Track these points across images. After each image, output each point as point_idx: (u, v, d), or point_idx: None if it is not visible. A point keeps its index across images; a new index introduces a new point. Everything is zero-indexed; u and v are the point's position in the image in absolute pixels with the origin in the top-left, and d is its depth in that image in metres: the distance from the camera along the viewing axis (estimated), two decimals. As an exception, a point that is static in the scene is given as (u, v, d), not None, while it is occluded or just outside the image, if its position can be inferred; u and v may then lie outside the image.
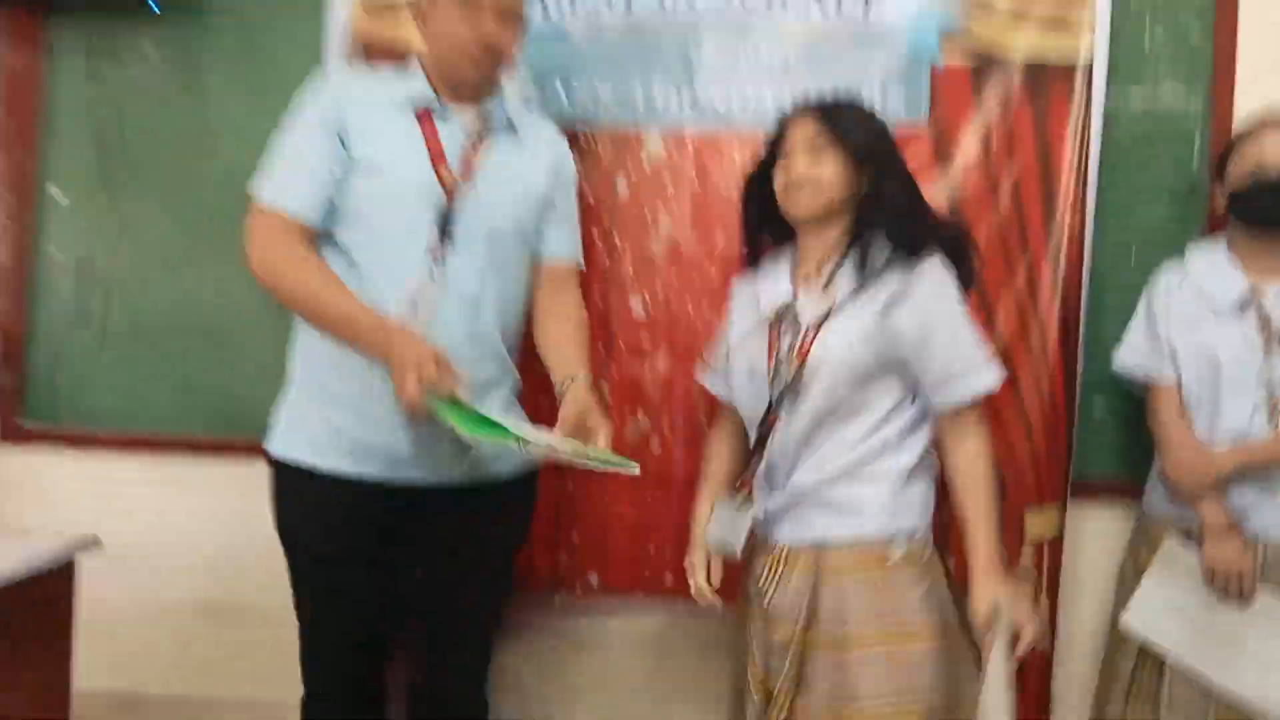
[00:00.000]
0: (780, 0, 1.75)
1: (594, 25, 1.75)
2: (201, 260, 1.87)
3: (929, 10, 1.72)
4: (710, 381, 1.49)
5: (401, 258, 1.36)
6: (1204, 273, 1.54)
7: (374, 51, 1.80)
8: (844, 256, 1.31)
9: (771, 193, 1.36)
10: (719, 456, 1.46)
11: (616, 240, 1.75)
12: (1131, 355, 1.59)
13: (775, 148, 1.37)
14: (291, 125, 1.42)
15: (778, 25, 1.75)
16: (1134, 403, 1.67)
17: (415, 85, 1.43)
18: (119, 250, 1.89)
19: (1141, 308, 1.60)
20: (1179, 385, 1.53)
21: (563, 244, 1.53)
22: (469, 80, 1.42)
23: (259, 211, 1.36)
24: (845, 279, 1.29)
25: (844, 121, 1.31)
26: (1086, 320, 1.68)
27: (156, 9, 1.86)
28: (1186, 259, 1.58)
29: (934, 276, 1.28)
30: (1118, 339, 1.62)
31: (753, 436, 1.36)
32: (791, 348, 1.30)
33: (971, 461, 1.28)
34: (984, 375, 1.28)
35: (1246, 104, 1.68)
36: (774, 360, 1.32)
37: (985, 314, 1.67)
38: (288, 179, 1.37)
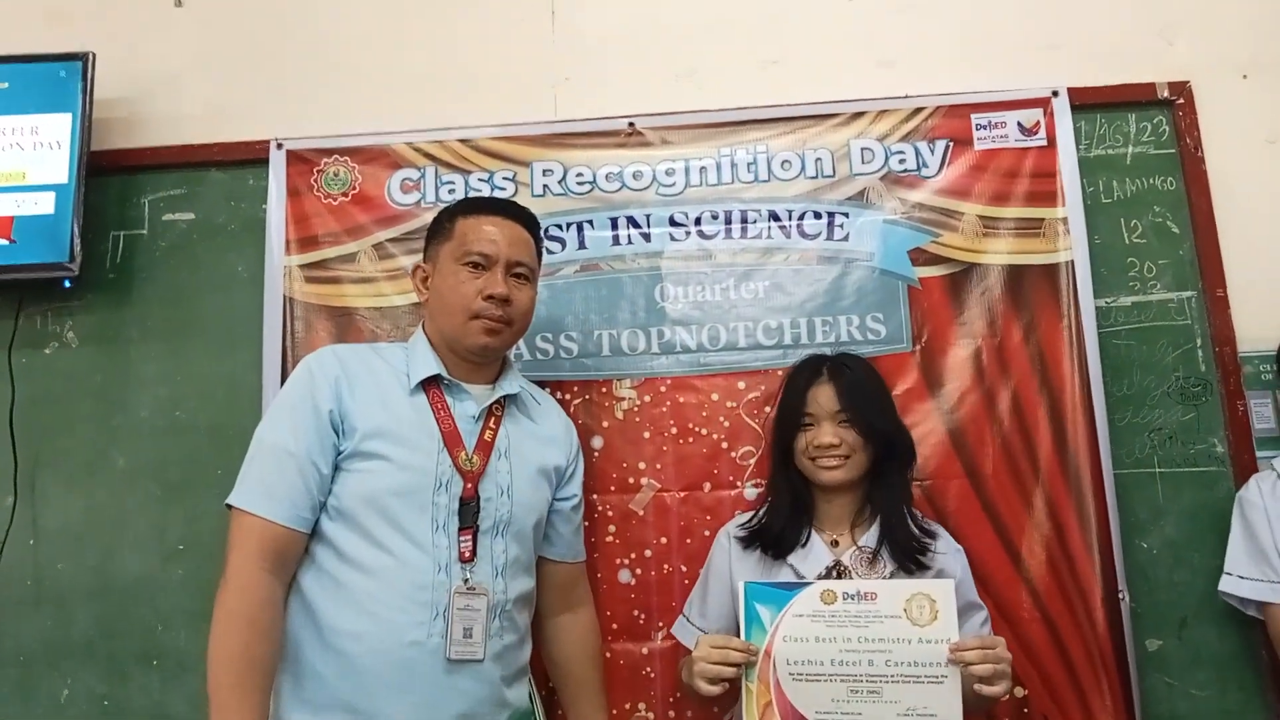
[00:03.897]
0: (740, 228, 1.85)
1: (550, 271, 1.83)
2: (122, 556, 1.84)
3: (894, 226, 1.83)
4: (690, 637, 1.51)
5: (425, 562, 1.33)
6: None
7: (316, 317, 1.86)
8: (880, 518, 1.46)
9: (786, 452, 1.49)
10: None
11: (596, 501, 1.75)
12: (1239, 580, 1.57)
13: (793, 409, 1.48)
14: (275, 413, 1.40)
15: (740, 253, 1.85)
16: (1194, 639, 1.67)
17: (421, 361, 1.44)
18: (28, 556, 1.84)
19: (1236, 526, 1.60)
20: None
21: (572, 543, 1.58)
22: (480, 348, 1.44)
23: (238, 517, 1.32)
24: (876, 541, 1.45)
25: (864, 396, 1.46)
26: (1120, 545, 1.68)
27: (68, 284, 1.91)
28: (1275, 467, 1.60)
29: (961, 553, 1.48)
30: (1155, 563, 1.64)
31: None
32: None
33: None
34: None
35: (1238, 289, 1.78)
36: None
37: (1005, 546, 1.68)
38: (271, 480, 1.32)
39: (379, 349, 1.52)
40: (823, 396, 1.45)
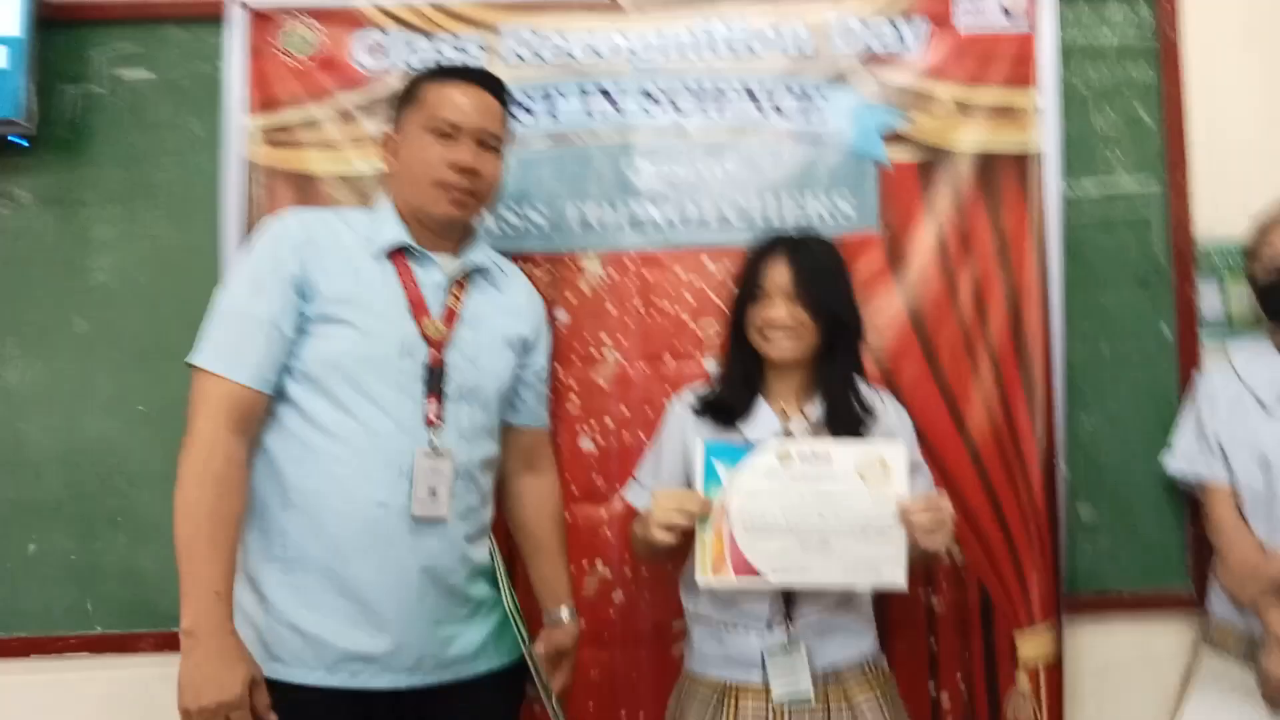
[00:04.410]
0: (715, 105, 1.86)
1: (518, 143, 1.82)
2: (87, 418, 1.87)
3: (870, 108, 1.84)
4: (642, 499, 1.59)
5: (390, 427, 1.38)
6: (1247, 368, 1.67)
7: (277, 182, 1.85)
8: (822, 393, 1.51)
9: (741, 325, 1.53)
10: None
11: (560, 373, 1.80)
12: (1182, 459, 1.71)
13: (749, 283, 1.51)
14: (238, 275, 1.42)
15: (713, 130, 1.86)
16: (1124, 508, 1.80)
17: (387, 227, 1.46)
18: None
19: (1187, 409, 1.73)
20: (1234, 486, 1.63)
21: (536, 410, 1.63)
22: (446, 218, 1.46)
23: (200, 378, 1.35)
24: (822, 414, 1.50)
25: (818, 276, 1.49)
26: (1064, 421, 1.78)
27: (26, 143, 1.89)
28: (1230, 354, 1.71)
29: (906, 419, 1.57)
30: (1097, 438, 1.76)
31: None
32: None
33: None
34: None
35: (1203, 182, 1.84)
36: None
37: (955, 421, 1.77)
38: (234, 341, 1.35)
39: (343, 214, 1.53)
40: (777, 273, 1.49)
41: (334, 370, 1.38)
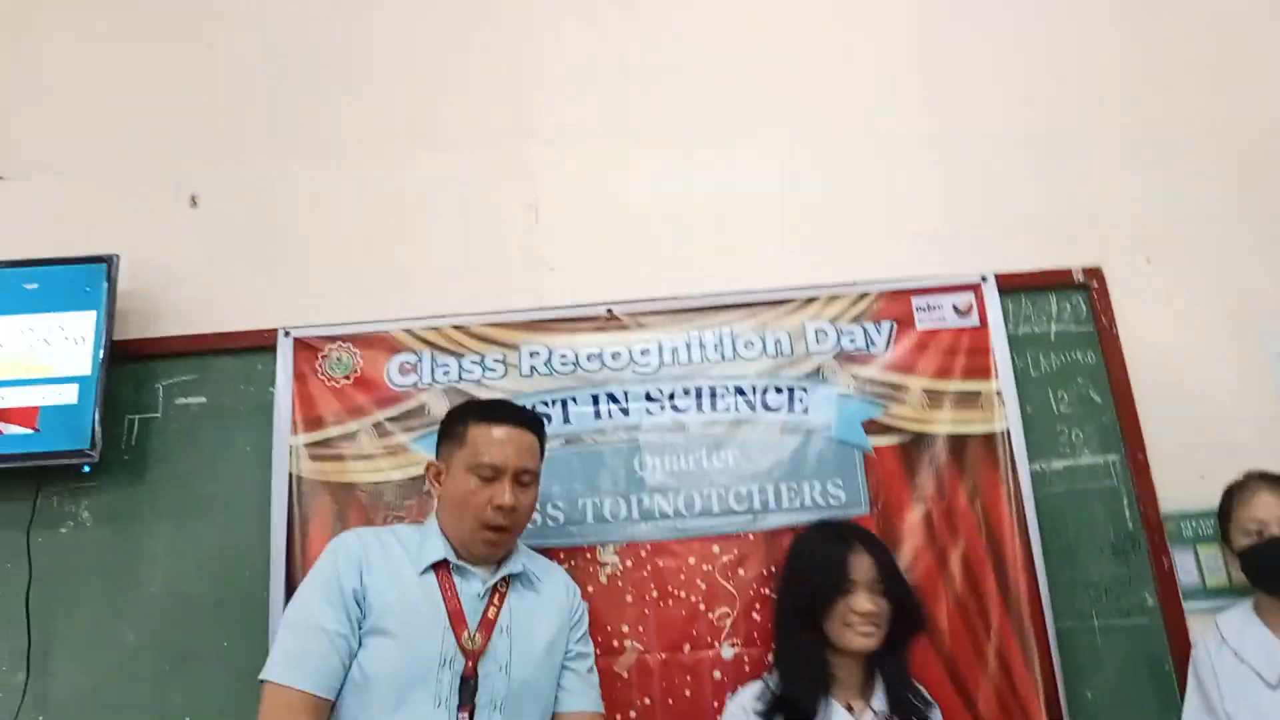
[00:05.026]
0: (709, 401, 2.10)
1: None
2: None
3: (849, 399, 2.08)
4: None
5: None
6: (1240, 642, 1.74)
7: (319, 493, 2.05)
8: (885, 683, 1.62)
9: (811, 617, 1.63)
10: None
11: (583, 665, 1.90)
12: None
13: (834, 576, 1.62)
14: (306, 590, 1.58)
15: (710, 425, 2.08)
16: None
17: (433, 545, 1.63)
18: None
19: (1191, 686, 1.79)
20: None
21: (586, 693, 1.70)
22: (483, 555, 1.63)
23: (269, 688, 1.48)
24: (888, 707, 1.59)
25: (892, 567, 1.66)
26: (1065, 695, 1.86)
27: (86, 468, 2.10)
28: (1219, 626, 1.79)
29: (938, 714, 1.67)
30: (1099, 712, 1.83)
31: None
32: None
33: None
34: None
35: (1160, 454, 2.03)
36: None
37: (965, 702, 1.86)
38: (301, 652, 1.50)
39: (398, 531, 1.71)
40: (864, 565, 1.63)
41: (377, 682, 1.50)
